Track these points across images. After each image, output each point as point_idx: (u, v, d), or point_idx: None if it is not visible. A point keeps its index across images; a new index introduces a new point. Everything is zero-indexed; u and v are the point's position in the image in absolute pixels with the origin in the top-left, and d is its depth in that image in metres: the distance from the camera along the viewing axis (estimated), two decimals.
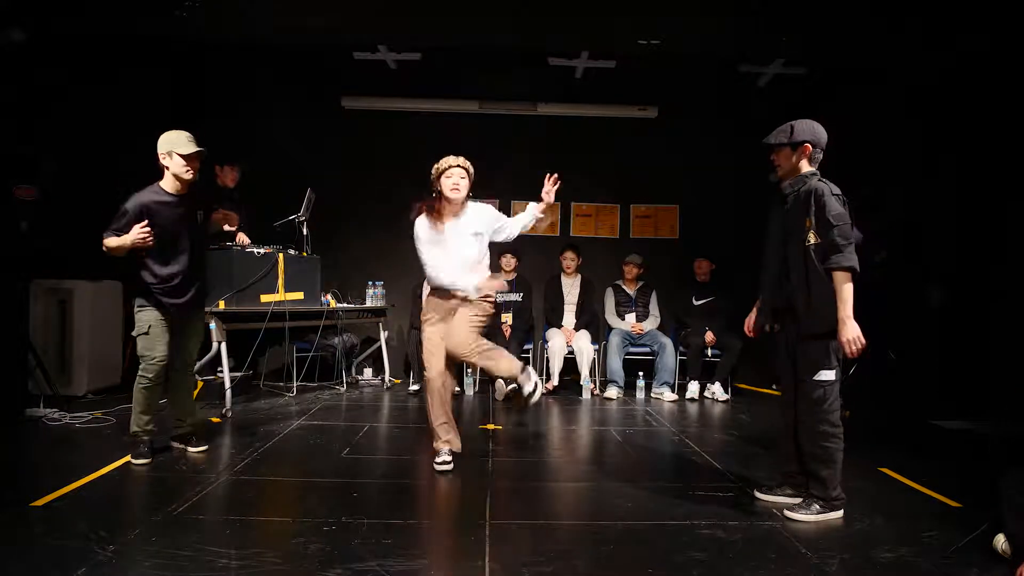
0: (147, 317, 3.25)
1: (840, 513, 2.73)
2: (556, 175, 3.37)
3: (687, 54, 5.97)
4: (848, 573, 2.22)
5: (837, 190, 2.66)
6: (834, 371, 2.68)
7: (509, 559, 2.25)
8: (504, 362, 3.27)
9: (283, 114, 6.46)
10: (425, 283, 3.62)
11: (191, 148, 3.20)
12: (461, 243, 3.31)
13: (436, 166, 3.32)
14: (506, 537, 2.46)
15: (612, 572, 2.21)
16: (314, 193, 5.24)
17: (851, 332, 2.54)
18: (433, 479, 3.21)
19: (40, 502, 2.66)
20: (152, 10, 4.84)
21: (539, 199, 3.40)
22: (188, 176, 3.23)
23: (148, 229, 3.10)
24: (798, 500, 2.81)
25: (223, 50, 6.02)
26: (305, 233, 5.13)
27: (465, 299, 3.27)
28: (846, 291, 2.55)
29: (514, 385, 3.34)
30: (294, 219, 5.08)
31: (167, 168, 3.21)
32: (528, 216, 3.47)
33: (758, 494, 2.96)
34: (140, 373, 3.27)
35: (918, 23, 4.70)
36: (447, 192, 3.27)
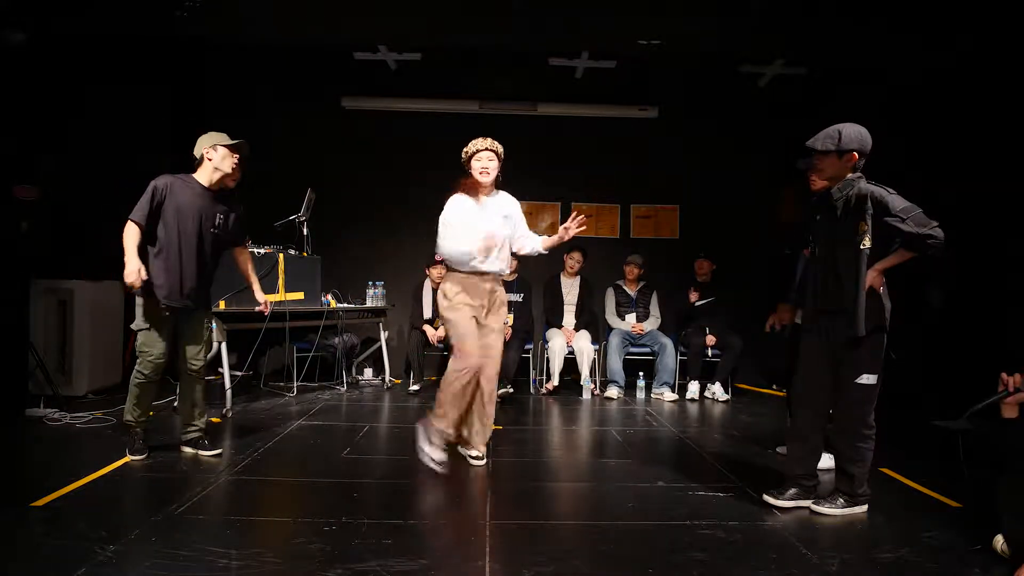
0: (148, 312, 3.22)
1: (864, 508, 2.78)
2: (582, 217, 3.40)
3: (687, 54, 5.97)
4: (848, 573, 2.22)
5: (892, 190, 2.65)
6: (876, 376, 2.71)
7: (509, 559, 2.25)
8: (489, 424, 3.37)
9: (283, 114, 6.46)
10: (435, 276, 3.59)
11: (234, 142, 3.30)
12: (491, 225, 3.30)
13: (466, 149, 3.33)
14: (506, 537, 2.46)
15: (612, 572, 2.21)
16: (314, 193, 5.24)
17: (870, 278, 2.66)
18: (434, 479, 3.21)
19: (40, 502, 2.66)
20: (152, 10, 4.84)
21: (552, 231, 3.46)
22: (229, 167, 3.29)
23: (143, 277, 3.08)
24: (808, 501, 2.82)
25: (223, 50, 6.03)
26: (305, 233, 5.14)
27: (497, 280, 3.34)
28: (894, 259, 2.67)
29: (475, 453, 3.38)
30: (294, 219, 5.09)
31: (209, 160, 3.26)
32: (538, 243, 3.53)
33: (767, 497, 2.89)
34: (137, 368, 3.26)
35: (918, 23, 4.70)
36: (476, 175, 3.30)
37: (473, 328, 3.26)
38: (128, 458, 3.27)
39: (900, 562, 2.30)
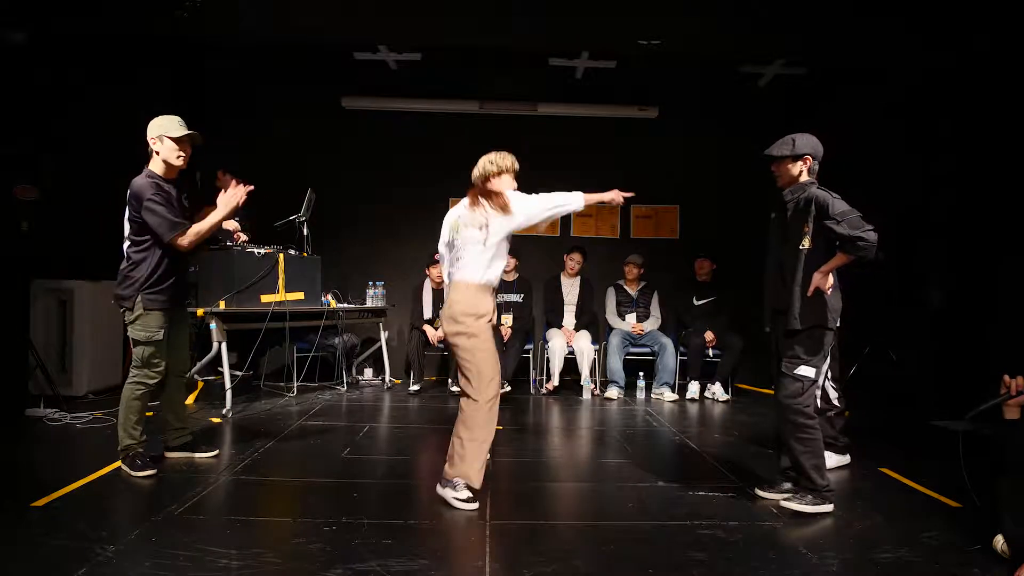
0: (156, 322, 3.06)
1: (831, 507, 2.81)
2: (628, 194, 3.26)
3: (687, 54, 5.97)
4: (848, 573, 2.22)
5: (837, 195, 2.76)
6: (814, 370, 2.78)
7: (509, 559, 2.25)
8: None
9: (283, 114, 6.47)
10: (435, 276, 3.23)
11: (182, 131, 3.06)
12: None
13: (508, 161, 3.03)
14: (506, 537, 2.46)
15: (612, 572, 2.21)
16: (314, 193, 5.24)
17: (817, 280, 2.72)
18: (433, 479, 3.20)
19: (40, 502, 2.66)
20: (152, 10, 4.84)
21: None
22: (178, 162, 3.08)
23: (244, 184, 3.06)
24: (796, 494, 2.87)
25: (223, 50, 6.02)
26: (306, 233, 5.14)
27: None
28: (833, 263, 2.70)
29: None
30: (295, 219, 5.09)
31: (157, 153, 3.07)
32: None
33: (759, 491, 2.99)
34: (140, 380, 3.09)
35: (918, 23, 4.70)
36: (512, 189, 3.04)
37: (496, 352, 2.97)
38: (130, 474, 3.07)
39: (900, 562, 2.30)
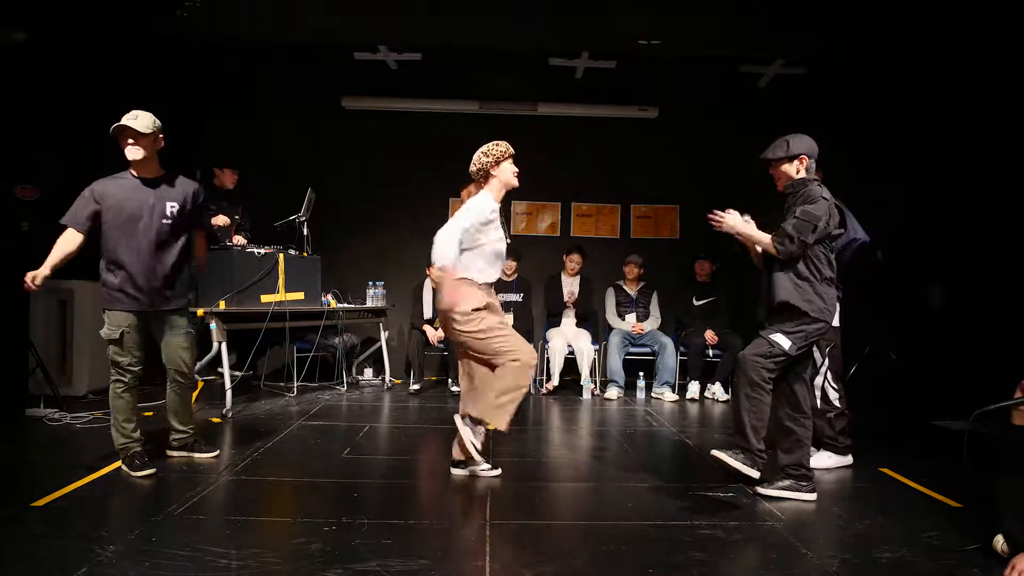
0: (117, 320, 3.04)
1: (813, 496, 2.88)
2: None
3: (687, 54, 5.97)
4: (848, 573, 2.22)
5: (828, 195, 2.85)
6: (790, 344, 2.82)
7: (509, 559, 2.25)
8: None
9: (283, 114, 6.47)
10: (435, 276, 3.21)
11: (115, 126, 2.99)
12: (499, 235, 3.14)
13: (497, 149, 3.08)
14: (506, 537, 2.46)
15: (612, 572, 2.21)
16: (314, 193, 5.24)
17: (728, 219, 2.93)
18: (433, 479, 3.21)
19: (40, 502, 2.66)
20: (152, 10, 4.84)
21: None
22: (128, 154, 3.03)
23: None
24: (799, 490, 2.90)
25: (223, 50, 6.02)
26: (306, 233, 5.14)
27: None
28: (763, 239, 2.87)
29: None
30: (295, 219, 5.09)
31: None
32: None
33: (759, 489, 2.97)
34: (115, 379, 3.08)
35: (918, 23, 4.70)
36: (511, 178, 3.11)
37: (509, 328, 3.13)
38: (129, 474, 3.07)
39: (900, 562, 2.30)
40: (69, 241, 3.07)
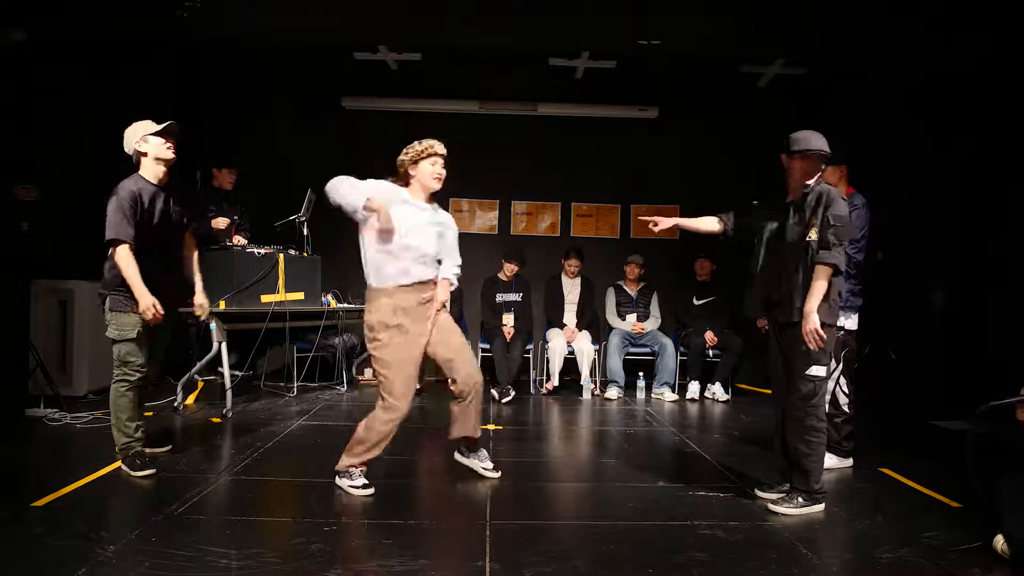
0: (132, 320, 3.05)
1: (822, 506, 2.80)
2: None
3: (687, 54, 5.97)
4: (848, 573, 2.22)
5: (843, 195, 2.81)
6: (825, 368, 2.76)
7: (509, 559, 2.25)
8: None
9: (283, 114, 6.46)
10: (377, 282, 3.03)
11: (160, 126, 3.09)
12: (426, 235, 3.00)
13: (416, 148, 2.98)
14: (506, 537, 2.46)
15: (612, 572, 2.21)
16: (314, 193, 5.23)
17: (811, 324, 2.68)
18: (433, 479, 3.21)
19: (40, 502, 2.66)
20: (152, 10, 4.84)
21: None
22: (168, 154, 3.10)
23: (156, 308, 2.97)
24: (812, 504, 2.82)
25: (223, 50, 6.02)
26: (306, 233, 5.14)
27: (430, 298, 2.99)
28: (820, 285, 2.70)
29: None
30: (294, 219, 5.09)
31: (145, 155, 3.10)
32: (449, 273, 3.17)
33: (758, 492, 2.98)
34: (122, 378, 3.08)
35: (918, 23, 4.70)
36: (430, 180, 2.97)
37: (411, 367, 2.91)
38: (130, 474, 3.06)
39: (900, 562, 2.30)
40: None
